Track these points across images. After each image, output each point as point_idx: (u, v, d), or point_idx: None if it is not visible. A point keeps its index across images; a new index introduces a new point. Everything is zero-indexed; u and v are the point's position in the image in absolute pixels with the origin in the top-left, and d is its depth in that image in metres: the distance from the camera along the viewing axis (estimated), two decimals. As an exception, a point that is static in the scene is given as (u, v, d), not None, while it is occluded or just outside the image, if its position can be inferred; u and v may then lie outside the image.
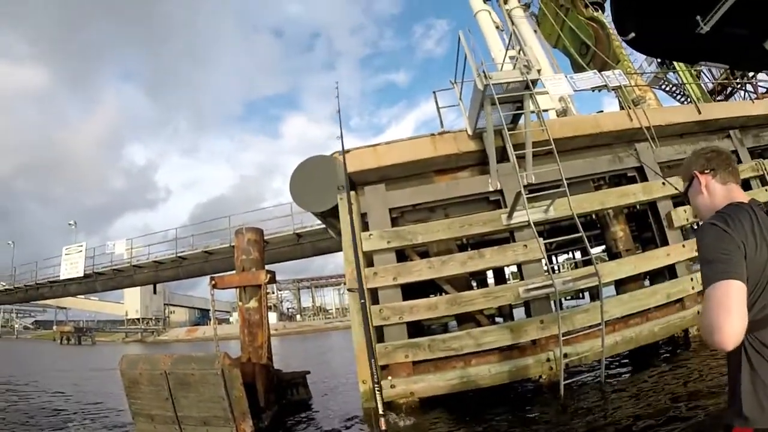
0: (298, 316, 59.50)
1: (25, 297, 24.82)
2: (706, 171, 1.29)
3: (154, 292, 56.45)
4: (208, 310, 53.71)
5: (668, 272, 6.86)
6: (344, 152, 6.22)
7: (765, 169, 7.31)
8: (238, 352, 6.40)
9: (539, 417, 4.74)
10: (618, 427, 3.94)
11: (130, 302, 55.94)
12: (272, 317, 51.48)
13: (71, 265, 19.92)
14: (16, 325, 65.75)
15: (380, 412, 3.95)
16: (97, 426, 6.61)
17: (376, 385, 4.14)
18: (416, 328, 6.46)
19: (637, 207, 8.06)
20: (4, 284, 25.53)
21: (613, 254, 7.52)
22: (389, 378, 5.61)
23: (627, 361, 6.42)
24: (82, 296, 49.68)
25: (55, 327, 55.62)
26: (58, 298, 25.03)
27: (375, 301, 5.90)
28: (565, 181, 5.55)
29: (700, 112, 7.62)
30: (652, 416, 3.94)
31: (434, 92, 7.15)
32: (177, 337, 48.69)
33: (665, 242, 6.85)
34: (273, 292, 57.42)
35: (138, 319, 55.85)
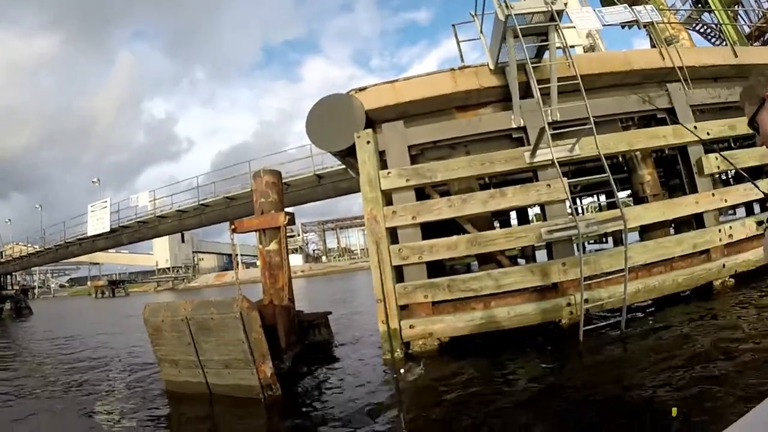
0: (323, 258, 61.50)
1: (56, 256, 25.99)
2: None
3: (182, 241, 59.45)
4: (236, 255, 55.82)
5: (695, 221, 6.70)
6: (360, 89, 6.13)
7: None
8: (262, 295, 6.48)
9: (557, 362, 4.71)
10: (634, 376, 3.88)
11: (160, 253, 58.74)
12: (298, 259, 53.38)
13: (97, 221, 20.67)
14: (52, 285, 69.63)
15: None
16: (129, 370, 7.00)
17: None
18: (438, 269, 6.54)
19: (666, 151, 7.92)
20: (35, 247, 27.04)
21: (639, 199, 7.40)
22: (408, 318, 5.67)
23: (649, 310, 6.28)
24: (113, 251, 52.50)
25: (89, 282, 58.87)
26: (88, 254, 26.60)
27: (394, 240, 5.86)
28: (592, 119, 5.44)
29: (736, 56, 7.24)
30: (670, 368, 3.86)
31: (453, 25, 6.87)
32: (206, 283, 50.93)
33: (694, 190, 6.61)
34: (298, 234, 59.52)
35: (168, 269, 58.98)
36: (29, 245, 29.04)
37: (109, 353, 9.21)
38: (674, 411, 2.87)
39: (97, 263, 63.57)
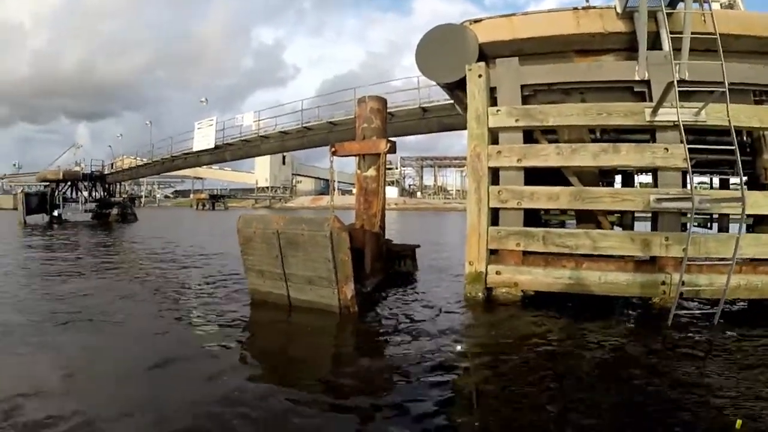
0: (418, 193, 63.31)
1: (162, 169, 28.38)
2: None
3: (283, 162, 63.63)
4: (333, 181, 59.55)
5: None
6: (475, 21, 5.90)
7: None
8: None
9: (638, 341, 4.41)
10: (711, 376, 3.55)
11: (261, 172, 63.03)
12: (393, 191, 55.65)
13: (203, 138, 22.17)
14: (158, 195, 77.16)
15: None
16: (218, 275, 7.51)
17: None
18: (533, 219, 6.36)
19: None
20: (143, 159, 29.60)
21: (760, 185, 6.86)
22: (496, 264, 5.54)
23: (745, 311, 5.67)
24: (216, 167, 57.10)
25: (192, 195, 64.43)
26: (191, 167, 29.06)
27: (495, 181, 5.64)
28: (726, 83, 4.98)
29: None
30: (752, 379, 3.44)
31: (582, -39, 6.48)
32: (302, 204, 54.06)
33: None
34: (396, 168, 61.69)
35: (267, 188, 63.31)
36: (138, 158, 31.56)
37: (202, 258, 9.95)
38: (738, 423, 2.66)
39: (201, 178, 69.38)
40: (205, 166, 37.75)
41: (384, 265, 6.23)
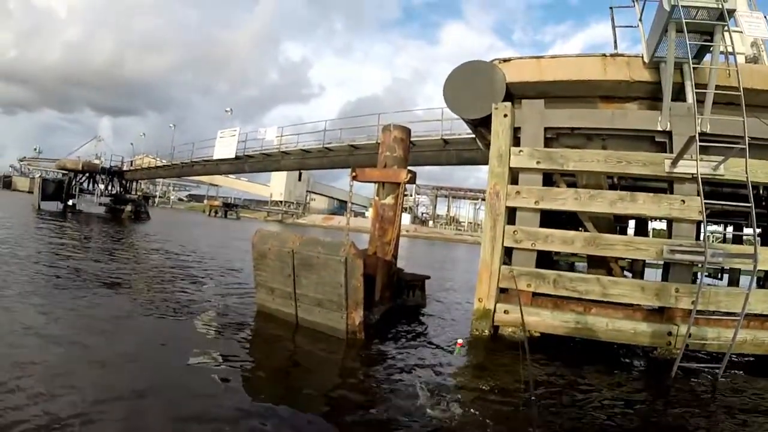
0: (430, 222, 63.06)
1: (181, 172, 28.44)
2: None
3: (299, 179, 64.00)
4: (346, 202, 59.77)
5: None
6: (504, 60, 5.96)
7: None
8: (366, 245, 6.67)
9: (640, 391, 4.44)
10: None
11: (276, 186, 63.99)
12: (406, 218, 56.02)
13: (224, 147, 22.37)
14: (172, 197, 77.76)
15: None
16: (226, 287, 7.52)
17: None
18: (545, 260, 6.41)
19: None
20: (163, 161, 29.86)
21: (770, 241, 6.95)
22: (506, 303, 5.53)
23: (749, 367, 5.63)
24: (233, 176, 57.25)
25: (205, 201, 64.90)
26: (210, 175, 29.21)
27: (511, 221, 5.67)
28: (747, 139, 5.02)
29: None
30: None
31: (611, 8, 6.49)
32: (314, 222, 54.26)
33: None
34: (410, 195, 61.90)
35: (281, 202, 63.61)
36: (157, 158, 31.98)
37: (211, 267, 9.95)
38: None
39: (216, 185, 69.80)
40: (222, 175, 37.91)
41: (393, 293, 6.26)
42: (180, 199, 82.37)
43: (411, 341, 5.41)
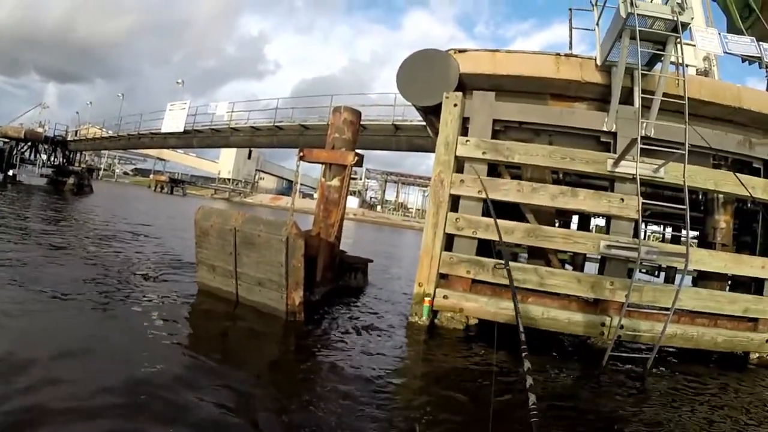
0: (378, 207, 62.53)
1: (127, 145, 27.48)
2: None
3: (249, 156, 62.19)
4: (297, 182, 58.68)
5: (755, 286, 6.47)
6: (460, 51, 5.99)
7: None
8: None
9: (569, 378, 4.63)
10: (644, 419, 3.75)
11: (225, 163, 61.46)
12: (354, 202, 55.24)
13: (173, 120, 21.66)
14: (117, 170, 74.45)
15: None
16: (167, 264, 7.32)
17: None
18: (486, 248, 6.49)
19: (749, 204, 7.57)
20: (109, 132, 28.54)
21: (707, 243, 7.12)
22: (445, 288, 5.64)
23: (678, 359, 5.94)
24: (181, 151, 55.16)
25: (152, 175, 62.45)
26: (157, 148, 28.23)
27: (454, 208, 5.78)
28: (687, 146, 5.17)
29: None
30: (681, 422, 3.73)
31: (570, 9, 6.63)
32: (261, 202, 53.04)
33: (765, 253, 6.27)
34: (360, 179, 61.29)
35: (229, 179, 61.32)
36: (104, 129, 30.55)
37: (153, 243, 9.71)
38: None
39: (163, 159, 67.27)
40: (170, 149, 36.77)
41: (335, 275, 6.26)
42: (125, 173, 78.86)
43: (349, 322, 5.49)
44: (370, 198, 65.56)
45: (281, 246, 4.83)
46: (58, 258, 6.63)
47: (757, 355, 6.08)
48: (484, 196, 5.43)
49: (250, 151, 60.09)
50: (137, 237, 10.54)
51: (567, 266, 9.81)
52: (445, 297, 5.56)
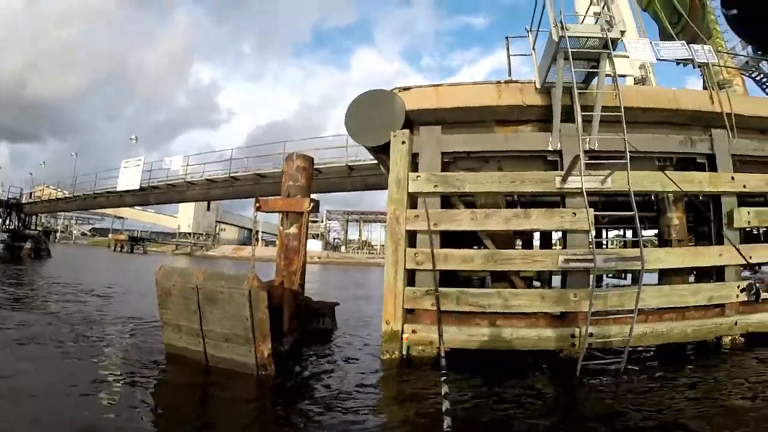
0: (342, 248, 62.11)
1: (83, 205, 26.79)
2: None
3: (208, 208, 60.18)
4: (257, 232, 57.47)
5: (716, 273, 6.61)
6: (404, 89, 6.16)
7: None
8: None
9: (549, 393, 4.74)
10: (622, 420, 3.92)
11: (184, 217, 60.14)
12: (317, 245, 54.33)
13: (128, 178, 21.34)
14: (75, 231, 71.70)
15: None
16: (132, 328, 7.15)
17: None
18: (453, 279, 6.61)
19: (700, 197, 7.87)
20: (65, 192, 27.79)
21: (664, 241, 7.35)
22: (412, 323, 5.67)
23: (651, 356, 6.23)
24: (139, 208, 53.56)
25: (110, 235, 60.61)
26: (114, 207, 27.73)
27: (413, 243, 5.87)
28: (628, 154, 5.36)
29: None
30: (659, 418, 3.91)
31: (507, 38, 6.87)
32: (224, 253, 51.71)
33: (720, 241, 6.51)
34: (321, 221, 60.64)
35: (189, 234, 59.88)
36: (59, 190, 29.79)
37: (116, 307, 9.47)
38: None
39: (121, 217, 65.48)
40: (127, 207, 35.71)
41: (302, 322, 6.29)
42: (83, 234, 76.36)
43: (320, 369, 5.51)
44: (334, 239, 65.16)
45: (244, 300, 4.84)
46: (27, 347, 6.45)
47: (729, 338, 6.33)
48: (439, 228, 5.56)
49: (209, 203, 58.64)
50: (101, 300, 10.38)
51: (535, 282, 10.03)
52: (413, 332, 5.64)
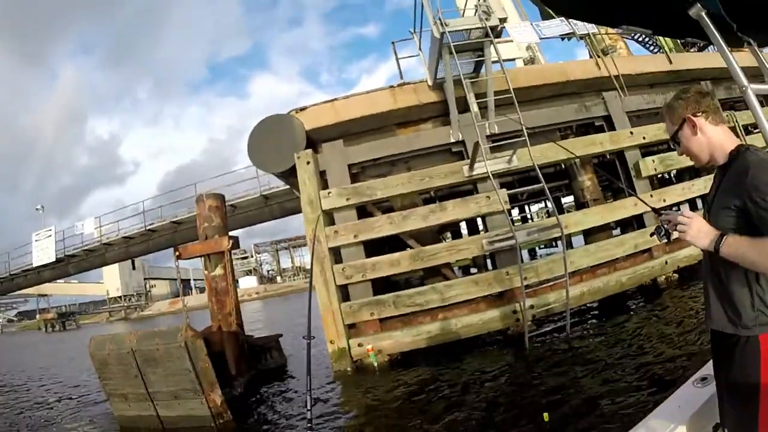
0: (278, 278, 59.73)
1: (1, 289, 24.82)
2: (698, 113, 1.28)
3: (133, 267, 56.98)
4: (188, 280, 54.68)
5: (636, 222, 7.01)
6: (301, 109, 6.20)
7: (737, 121, 7.57)
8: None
9: (506, 369, 4.85)
10: (580, 375, 4.13)
11: (110, 281, 56.58)
12: (252, 281, 52.69)
13: (42, 251, 19.96)
14: (0, 320, 65.54)
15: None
16: (80, 407, 6.66)
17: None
18: (389, 284, 6.61)
19: (607, 157, 8.36)
20: None
21: (580, 204, 7.75)
22: (357, 337, 5.70)
23: (596, 311, 6.60)
24: (61, 281, 49.66)
25: (38, 316, 55.96)
26: (34, 286, 25.63)
27: (339, 260, 5.92)
28: (525, 130, 5.59)
29: (671, 62, 7.73)
30: (614, 364, 4.14)
31: (393, 43, 7.08)
32: (160, 310, 49.06)
33: (635, 192, 7.12)
34: (251, 256, 58.83)
35: (120, 297, 56.33)
36: None
37: (58, 390, 8.91)
38: (546, 416, 3.16)
39: (46, 295, 60.61)
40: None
41: (249, 362, 6.15)
42: (9, 320, 69.47)
43: (279, 403, 5.42)
44: (267, 272, 63.87)
45: (182, 352, 4.73)
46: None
47: (663, 277, 6.70)
48: (360, 239, 5.59)
49: (133, 261, 56.02)
50: (43, 384, 9.70)
51: (473, 269, 10.25)
52: (360, 345, 5.66)
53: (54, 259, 19.77)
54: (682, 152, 1.35)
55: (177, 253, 6.15)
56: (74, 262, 20.26)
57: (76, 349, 18.07)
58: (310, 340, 2.62)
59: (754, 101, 1.26)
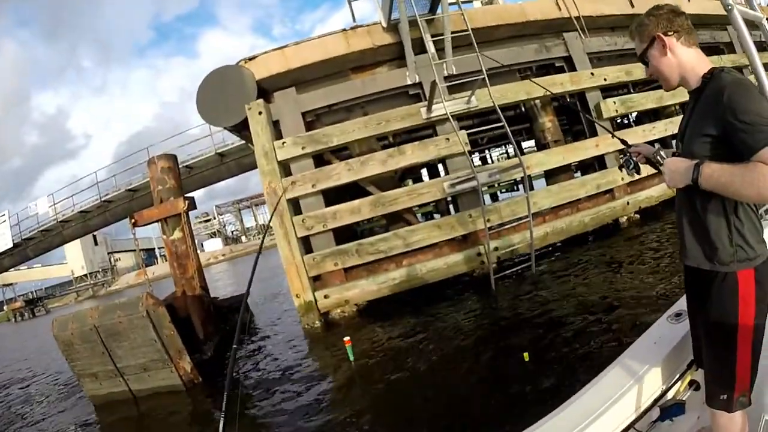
0: (243, 238, 59.08)
1: None
2: (669, 33, 1.16)
3: (95, 243, 55.19)
4: (153, 249, 53.90)
5: (597, 163, 7.06)
6: (250, 59, 5.85)
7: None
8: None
9: (474, 311, 4.89)
10: (546, 311, 4.19)
11: (74, 260, 54.75)
12: (217, 243, 52.31)
13: None
14: None
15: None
16: (55, 391, 6.55)
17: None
18: (352, 234, 6.49)
19: (567, 99, 8.30)
20: None
21: (542, 146, 7.74)
22: (322, 288, 5.66)
23: (558, 254, 6.61)
24: (24, 267, 47.91)
25: (5, 307, 54.16)
26: None
27: (298, 211, 5.80)
28: (484, 69, 5.51)
29: (633, 6, 7.59)
30: (584, 302, 4.19)
31: (344, -15, 6.71)
32: (128, 283, 48.04)
33: (595, 134, 6.99)
34: (214, 218, 58.23)
35: (85, 275, 54.78)
36: None
37: (32, 376, 8.70)
38: (525, 356, 3.18)
39: (10, 284, 58.77)
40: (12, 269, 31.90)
41: (217, 324, 6.05)
42: None
43: (251, 360, 5.37)
44: (232, 232, 63.12)
45: (145, 322, 4.62)
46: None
47: (625, 218, 6.81)
48: (319, 188, 5.44)
49: (95, 237, 54.17)
50: (18, 377, 9.41)
51: (435, 215, 10.23)
52: (326, 297, 5.63)
53: (11, 245, 18.99)
54: (651, 73, 1.26)
55: (133, 220, 5.89)
56: (32, 245, 19.46)
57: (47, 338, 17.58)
58: (238, 344, 1.92)
59: (740, 20, 1.15)
